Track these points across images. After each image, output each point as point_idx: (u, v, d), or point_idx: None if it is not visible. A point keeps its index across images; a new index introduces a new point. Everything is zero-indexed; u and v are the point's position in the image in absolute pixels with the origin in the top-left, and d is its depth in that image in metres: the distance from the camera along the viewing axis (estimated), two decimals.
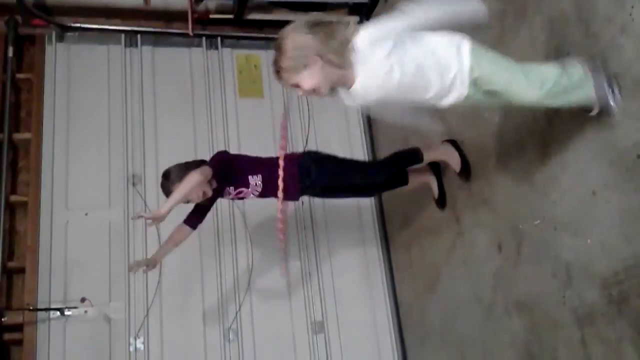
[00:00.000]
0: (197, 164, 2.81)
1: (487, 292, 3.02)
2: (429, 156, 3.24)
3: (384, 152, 4.10)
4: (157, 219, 2.56)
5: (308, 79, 2.02)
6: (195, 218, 2.95)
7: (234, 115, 4.23)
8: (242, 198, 3.04)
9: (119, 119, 4.02)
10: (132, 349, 3.53)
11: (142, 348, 3.55)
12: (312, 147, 4.04)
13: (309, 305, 3.90)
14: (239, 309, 3.76)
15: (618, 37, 2.12)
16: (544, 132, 2.55)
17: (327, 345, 3.84)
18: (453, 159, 3.19)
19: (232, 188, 2.93)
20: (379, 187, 3.48)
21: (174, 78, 4.25)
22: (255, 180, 2.93)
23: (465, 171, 3.14)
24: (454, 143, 3.22)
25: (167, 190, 2.77)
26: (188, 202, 2.83)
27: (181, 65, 4.32)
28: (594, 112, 2.17)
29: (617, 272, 2.17)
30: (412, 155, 3.23)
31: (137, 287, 3.67)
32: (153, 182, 3.85)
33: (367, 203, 4.20)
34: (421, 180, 3.42)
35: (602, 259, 2.24)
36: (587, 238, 2.32)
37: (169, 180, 2.77)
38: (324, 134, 4.33)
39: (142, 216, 2.71)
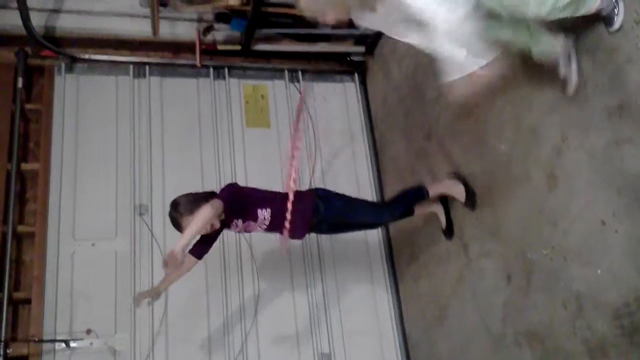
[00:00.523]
0: (206, 195, 2.80)
1: (497, 323, 2.99)
2: (434, 191, 3.30)
3: (391, 188, 4.11)
4: (175, 260, 2.50)
5: None
6: (201, 248, 2.93)
7: (240, 145, 4.25)
8: (249, 231, 3.03)
9: (126, 149, 4.04)
10: None
11: None
12: (319, 184, 4.07)
13: (316, 336, 3.85)
14: (245, 340, 3.72)
15: None
16: (551, 161, 2.55)
17: None
18: (458, 191, 3.23)
19: (240, 221, 2.91)
20: (385, 221, 3.52)
21: (181, 108, 4.28)
22: (264, 214, 2.92)
23: (471, 201, 3.17)
24: (457, 176, 3.28)
25: (175, 222, 2.76)
26: None
27: (189, 95, 4.34)
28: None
29: (628, 302, 2.15)
30: (418, 192, 3.29)
31: (143, 318, 3.63)
32: (160, 212, 3.87)
33: (374, 235, 4.18)
34: (428, 209, 3.44)
35: (613, 289, 2.22)
36: (597, 268, 2.30)
37: (177, 211, 2.75)
38: (332, 172, 4.35)
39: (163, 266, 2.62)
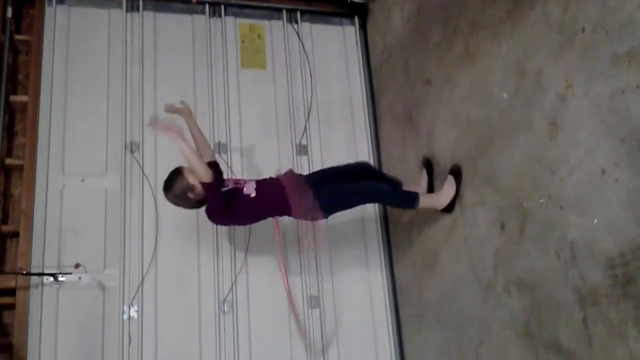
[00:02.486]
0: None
1: (488, 271, 2.99)
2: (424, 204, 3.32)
3: (387, 137, 4.06)
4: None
5: None
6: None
7: (235, 86, 4.15)
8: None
9: (118, 84, 3.94)
10: (125, 317, 3.50)
11: (135, 316, 3.51)
12: (314, 131, 4.13)
13: (305, 280, 3.86)
14: (235, 281, 3.72)
15: None
16: (554, 109, 2.50)
17: (321, 320, 3.82)
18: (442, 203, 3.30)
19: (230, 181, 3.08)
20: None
21: (175, 45, 4.16)
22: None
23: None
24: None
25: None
26: None
27: (183, 32, 4.22)
28: None
29: (623, 252, 2.13)
30: (411, 198, 3.29)
31: (133, 255, 3.62)
32: (151, 150, 3.84)
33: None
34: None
35: (609, 238, 2.20)
36: (594, 217, 2.28)
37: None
38: (327, 118, 4.30)
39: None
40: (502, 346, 2.88)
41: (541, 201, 2.57)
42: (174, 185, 3.03)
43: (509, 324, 2.81)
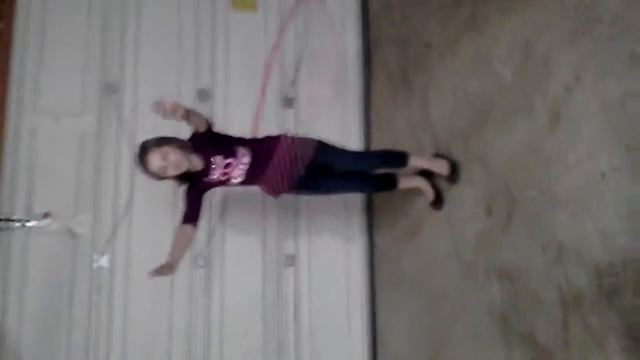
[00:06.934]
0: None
1: (469, 252, 2.93)
2: (416, 163, 3.14)
3: (379, 95, 3.89)
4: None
5: None
6: (192, 212, 2.74)
7: (223, 30, 3.91)
8: (229, 179, 2.80)
9: (98, 19, 3.70)
10: (95, 266, 3.41)
11: (106, 266, 3.43)
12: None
13: (282, 240, 3.78)
14: (212, 235, 3.63)
15: None
16: (558, 100, 2.37)
17: (295, 279, 3.77)
18: (440, 165, 3.10)
19: (218, 157, 2.71)
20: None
21: None
22: (244, 152, 2.76)
23: (454, 174, 3.05)
24: (441, 155, 3.16)
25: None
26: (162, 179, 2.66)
27: None
28: None
29: (613, 262, 2.07)
30: (399, 155, 3.12)
31: (106, 202, 3.50)
32: (130, 92, 3.65)
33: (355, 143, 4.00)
34: (412, 184, 3.26)
35: (599, 246, 2.13)
36: (587, 221, 2.20)
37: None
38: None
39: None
40: (476, 327, 2.86)
41: (532, 194, 2.49)
42: None
43: (485, 307, 2.78)
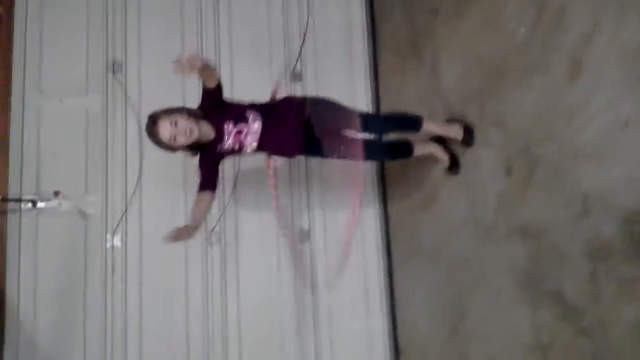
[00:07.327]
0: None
1: (489, 214, 2.88)
2: (430, 129, 3.07)
3: (386, 66, 3.83)
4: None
5: None
6: (209, 180, 2.71)
7: (226, 2, 3.85)
8: (242, 146, 2.74)
9: None
10: (108, 245, 3.37)
11: (119, 245, 3.39)
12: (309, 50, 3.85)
13: (296, 214, 3.74)
14: (224, 212, 3.58)
15: None
16: (577, 49, 2.31)
17: (311, 253, 3.73)
18: (455, 130, 3.03)
19: (230, 124, 2.66)
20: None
21: None
22: (254, 116, 2.70)
23: (470, 138, 2.99)
24: (454, 119, 3.10)
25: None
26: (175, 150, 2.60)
27: None
28: None
29: None
30: (414, 119, 3.04)
31: (116, 182, 3.46)
32: (134, 70, 3.61)
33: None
34: (426, 150, 3.17)
35: (627, 193, 2.08)
36: (612, 170, 2.15)
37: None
38: (323, 39, 4.01)
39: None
40: (498, 293, 2.81)
41: (553, 148, 2.43)
42: None
43: (508, 271, 2.73)
